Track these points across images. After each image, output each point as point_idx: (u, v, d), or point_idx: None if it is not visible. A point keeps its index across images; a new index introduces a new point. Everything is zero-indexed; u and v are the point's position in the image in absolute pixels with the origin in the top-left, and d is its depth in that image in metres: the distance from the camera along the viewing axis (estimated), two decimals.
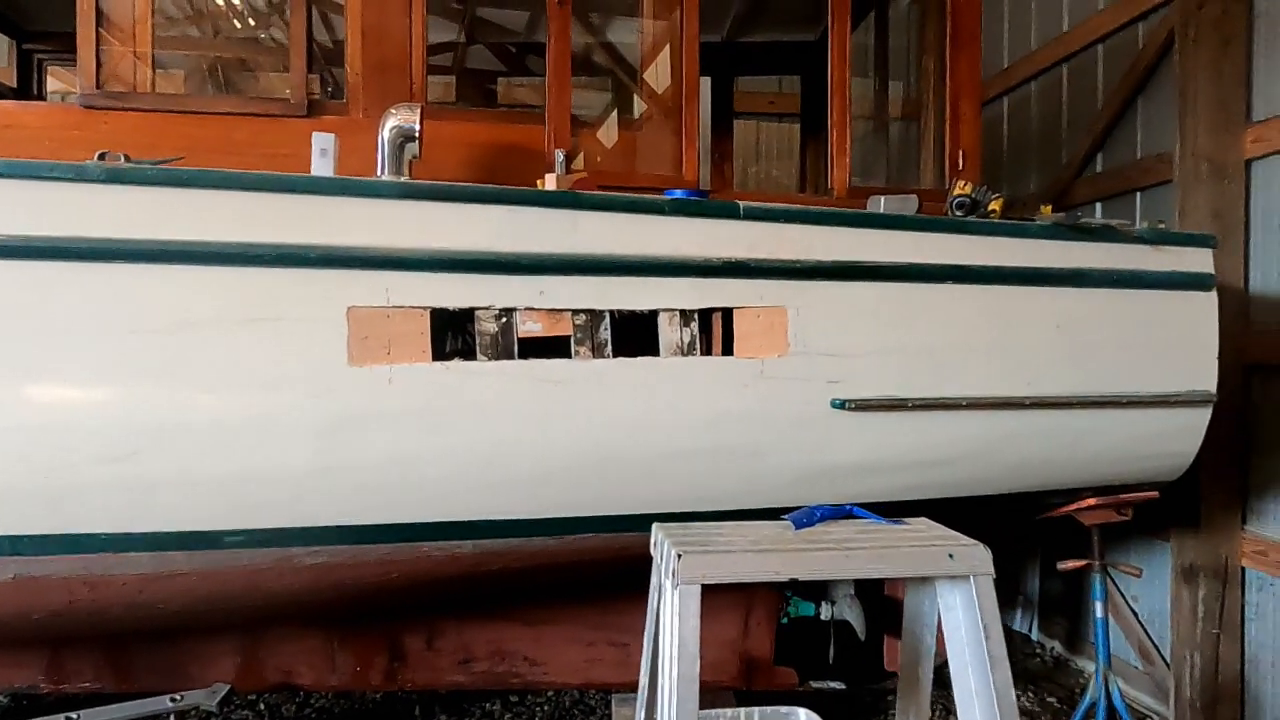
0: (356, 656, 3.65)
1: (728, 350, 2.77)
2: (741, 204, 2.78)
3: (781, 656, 4.00)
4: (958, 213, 3.02)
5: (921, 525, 2.46)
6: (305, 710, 4.34)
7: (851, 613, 3.92)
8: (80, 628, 2.85)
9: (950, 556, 2.15)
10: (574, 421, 2.66)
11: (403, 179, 2.71)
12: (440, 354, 2.58)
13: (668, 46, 4.46)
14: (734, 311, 2.76)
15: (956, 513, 2.97)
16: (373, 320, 2.50)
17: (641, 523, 2.85)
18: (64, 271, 2.37)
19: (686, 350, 2.73)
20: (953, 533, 2.36)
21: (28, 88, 4.81)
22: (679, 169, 3.22)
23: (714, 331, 2.79)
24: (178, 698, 3.51)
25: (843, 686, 4.20)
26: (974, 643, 2.12)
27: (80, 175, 2.36)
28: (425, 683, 3.77)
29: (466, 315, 2.59)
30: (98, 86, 2.85)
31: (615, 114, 5.16)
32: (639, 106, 4.97)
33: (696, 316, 2.75)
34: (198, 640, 3.40)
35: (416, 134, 2.69)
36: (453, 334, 2.68)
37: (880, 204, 3.04)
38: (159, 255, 2.40)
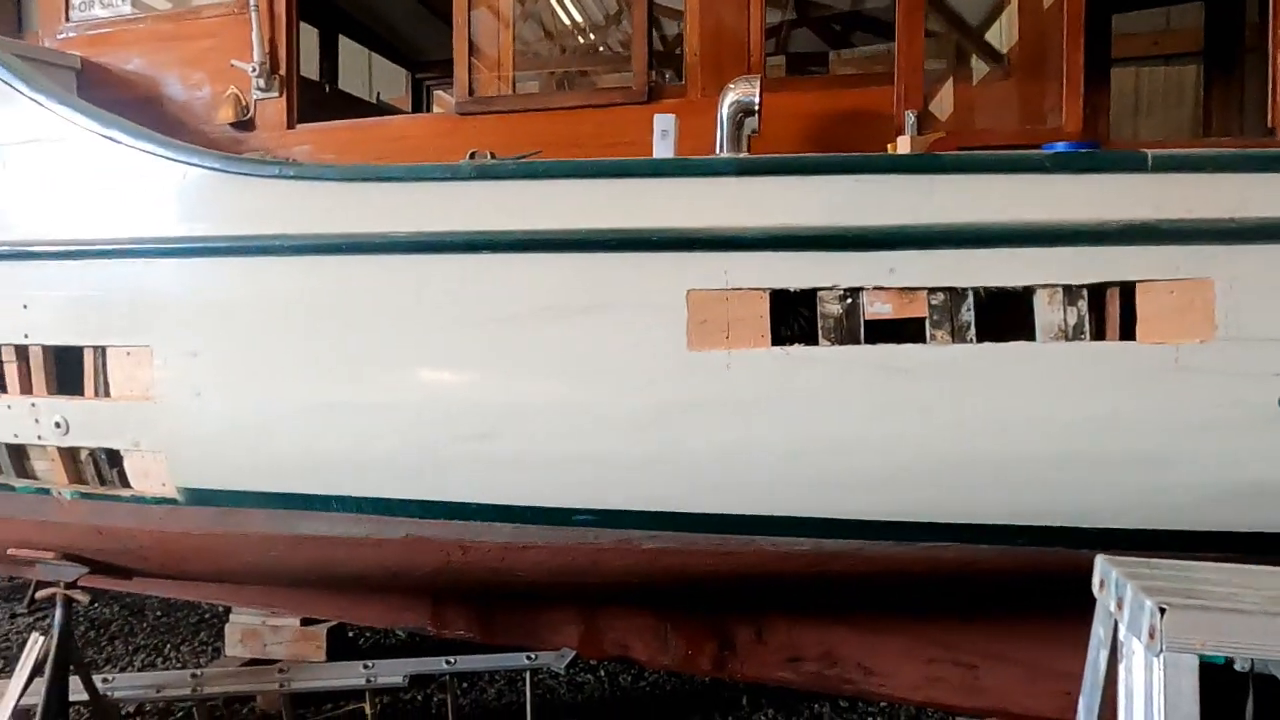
0: (687, 640, 3.67)
1: (1127, 334, 2.27)
2: (1149, 153, 2.25)
3: None
4: None
5: None
6: (640, 683, 4.51)
7: None
8: (455, 584, 3.17)
9: None
10: (929, 415, 2.36)
11: (741, 155, 2.61)
12: (779, 338, 2.43)
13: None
14: (1136, 286, 2.25)
15: None
16: (711, 303, 2.42)
17: (1005, 535, 2.47)
18: (441, 264, 2.60)
19: (1071, 334, 2.28)
20: None
21: (418, 110, 5.56)
22: (1057, 120, 2.73)
23: (1108, 311, 2.30)
24: (532, 656, 3.81)
25: None
26: None
27: (454, 174, 2.58)
28: (753, 675, 3.70)
29: (808, 297, 2.41)
30: (470, 94, 3.14)
31: (950, 80, 4.68)
32: (978, 69, 4.44)
33: (1085, 293, 2.29)
34: (548, 607, 3.64)
35: (756, 107, 2.57)
36: (793, 317, 2.51)
37: None
38: (515, 245, 2.54)
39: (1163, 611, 1.52)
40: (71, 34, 3.49)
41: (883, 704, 4.18)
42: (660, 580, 2.88)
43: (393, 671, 3.74)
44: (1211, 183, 2.22)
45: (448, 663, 3.82)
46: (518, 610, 3.73)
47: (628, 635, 3.68)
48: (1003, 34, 4.54)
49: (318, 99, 4.11)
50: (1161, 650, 1.51)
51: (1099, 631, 1.83)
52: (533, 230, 2.52)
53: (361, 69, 6.63)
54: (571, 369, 2.54)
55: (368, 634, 5.00)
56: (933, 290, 2.34)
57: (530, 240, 2.52)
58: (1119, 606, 1.68)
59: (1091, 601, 3.01)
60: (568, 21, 5.51)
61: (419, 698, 4.25)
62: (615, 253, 2.47)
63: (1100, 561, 1.81)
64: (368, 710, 3.73)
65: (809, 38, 5.51)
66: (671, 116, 2.70)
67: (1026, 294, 2.32)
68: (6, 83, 2.95)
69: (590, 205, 2.49)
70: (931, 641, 3.36)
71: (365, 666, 3.72)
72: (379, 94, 5.72)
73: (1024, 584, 2.72)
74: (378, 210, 2.63)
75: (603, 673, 4.57)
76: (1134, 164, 2.27)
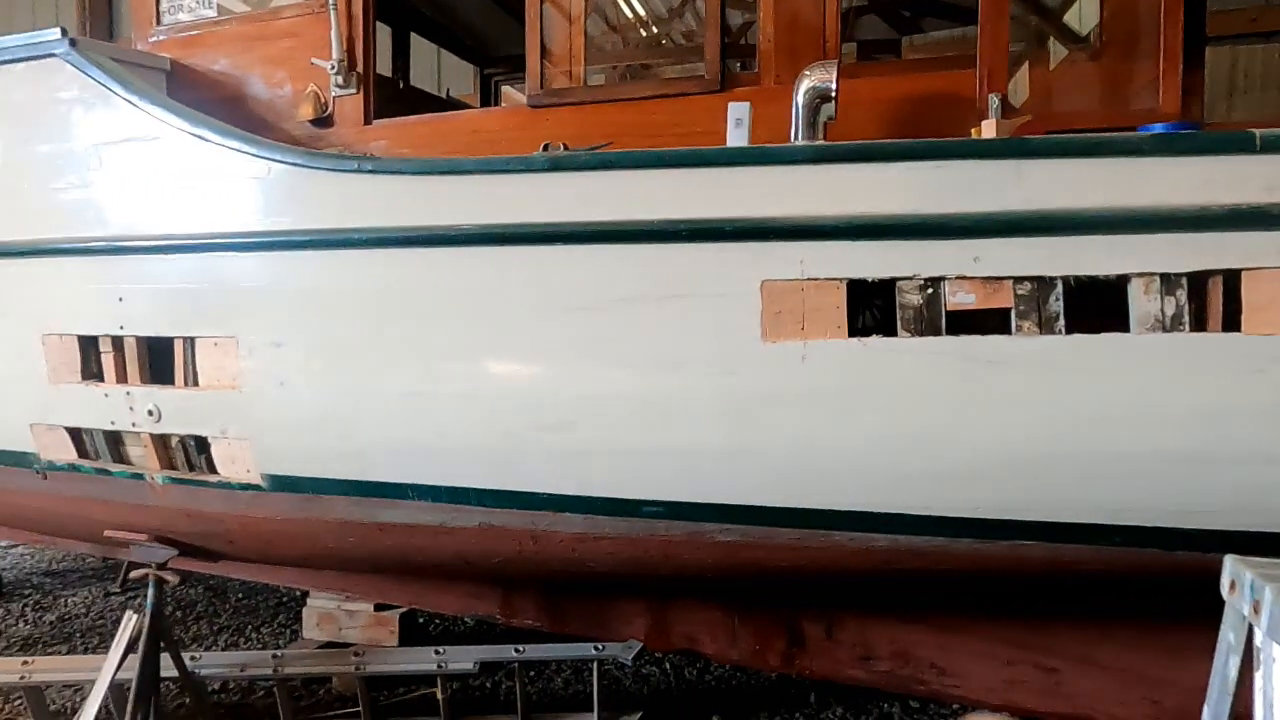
0: (755, 635, 3.64)
1: (1231, 325, 2.15)
2: (1258, 132, 2.12)
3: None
4: None
5: None
6: (705, 677, 4.49)
7: None
8: (527, 574, 3.20)
9: None
10: (1015, 409, 2.28)
11: (819, 142, 2.55)
12: (857, 329, 2.38)
13: None
14: (1242, 274, 2.13)
15: None
16: (787, 294, 2.38)
17: (1096, 535, 2.37)
18: (514, 255, 2.62)
19: (1169, 325, 2.17)
20: None
21: (486, 105, 5.62)
22: (1152, 101, 2.60)
23: (1210, 301, 2.18)
24: (600, 647, 3.83)
25: None
26: None
27: (528, 166, 2.59)
28: (822, 672, 3.64)
29: (887, 286, 2.35)
30: (541, 87, 3.15)
31: (1027, 63, 4.52)
32: (1055, 51, 4.27)
33: (1184, 282, 2.17)
34: (618, 598, 3.65)
35: (833, 93, 2.51)
36: (871, 308, 2.45)
37: None
38: (588, 236, 2.54)
39: None
40: (162, 37, 3.63)
41: (956, 706, 4.08)
42: (733, 574, 2.86)
43: (463, 658, 3.81)
44: None
45: (516, 651, 3.87)
46: (586, 601, 3.75)
47: (696, 629, 3.66)
48: (1082, 15, 4.36)
49: (392, 95, 4.19)
50: None
51: (1229, 637, 1.72)
52: (606, 221, 2.51)
53: (431, 66, 6.75)
54: (645, 360, 2.53)
55: (437, 621, 5.10)
56: (1019, 279, 2.26)
57: (603, 231, 2.51)
58: (1256, 611, 1.56)
59: (1189, 605, 2.87)
60: (631, 15, 5.51)
61: (487, 685, 4.32)
62: (689, 243, 2.45)
63: (1230, 562, 1.69)
64: (439, 695, 3.80)
65: (878, 25, 5.38)
66: (746, 105, 2.66)
67: (1120, 283, 2.22)
68: (104, 85, 3.08)
69: (664, 195, 2.47)
70: (1010, 643, 3.26)
71: (437, 652, 3.79)
72: (449, 90, 5.81)
73: (1115, 586, 2.61)
74: (453, 203, 2.66)
75: (668, 665, 4.57)
76: (1240, 145, 2.14)
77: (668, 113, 3.01)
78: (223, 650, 4.74)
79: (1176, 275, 2.17)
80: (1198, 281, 2.19)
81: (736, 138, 2.65)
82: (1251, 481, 2.21)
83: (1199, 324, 2.19)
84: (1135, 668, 2.99)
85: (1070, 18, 4.32)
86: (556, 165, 2.56)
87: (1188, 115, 2.97)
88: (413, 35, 4.98)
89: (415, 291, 2.71)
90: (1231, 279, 2.16)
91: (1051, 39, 4.21)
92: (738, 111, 2.63)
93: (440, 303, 2.69)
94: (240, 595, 5.58)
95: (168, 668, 3.42)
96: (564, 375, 2.60)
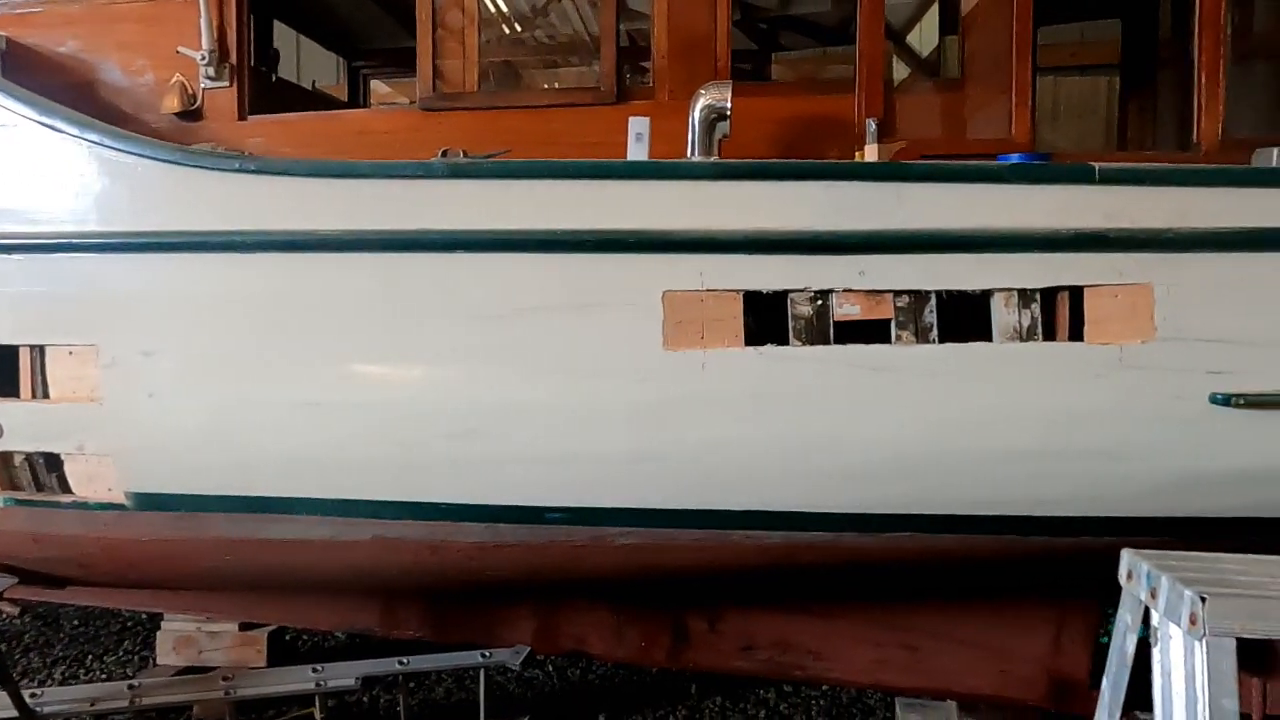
0: (642, 633, 3.72)
1: (1076, 335, 2.44)
2: (1097, 166, 2.42)
3: (1099, 679, 3.54)
4: None
5: None
6: (588, 676, 4.55)
7: None
8: (422, 585, 3.14)
9: None
10: (894, 412, 2.48)
11: (713, 159, 2.66)
12: (753, 339, 2.51)
13: (936, 5, 4.13)
14: (1085, 290, 2.43)
15: None
16: (687, 304, 2.47)
17: (968, 525, 2.62)
18: (413, 262, 2.57)
19: (1025, 335, 2.44)
20: None
21: (355, 100, 5.40)
22: (1004, 131, 2.89)
23: (1059, 314, 2.47)
24: (487, 654, 3.80)
25: None
26: None
27: (427, 172, 2.55)
28: (708, 665, 3.77)
29: (780, 298, 2.49)
30: (434, 90, 3.08)
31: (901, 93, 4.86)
32: (899, 72, 4.62)
33: (1038, 297, 2.44)
34: (503, 604, 3.63)
35: (728, 112, 2.63)
36: (767, 318, 2.59)
37: (1274, 157, 2.52)
38: (492, 244, 2.53)
39: (1204, 600, 1.66)
40: None
41: (825, 687, 4.34)
42: (633, 576, 2.92)
43: (344, 674, 3.66)
44: (1155, 195, 2.41)
45: (401, 663, 3.76)
46: (472, 608, 3.70)
47: (584, 630, 3.70)
48: (922, 37, 4.73)
49: (262, 89, 3.95)
50: (1204, 635, 1.65)
51: (1126, 618, 1.98)
52: (509, 230, 2.51)
53: (290, 55, 6.38)
54: (548, 369, 2.55)
55: (305, 636, 4.87)
56: (899, 293, 2.46)
57: (506, 240, 2.51)
58: (1153, 596, 1.82)
59: (1046, 587, 3.19)
60: (493, 10, 5.43)
61: (364, 700, 4.18)
62: (593, 253, 2.49)
63: (1127, 554, 1.96)
64: (317, 714, 3.65)
65: (739, 38, 5.59)
66: (646, 120, 2.73)
67: (985, 297, 2.46)
68: None
69: (568, 206, 2.50)
70: (880, 625, 3.50)
71: (315, 670, 3.63)
72: (315, 82, 5.53)
73: (978, 570, 2.88)
74: (346, 207, 2.58)
75: (551, 667, 4.59)
76: (1082, 176, 2.44)
77: (564, 122, 3.03)
78: (60, 684, 4.32)
79: (1031, 291, 2.44)
80: (1049, 297, 2.47)
81: (637, 151, 2.72)
82: (1094, 474, 2.51)
83: (1050, 334, 2.47)
84: (987, 642, 3.30)
85: (912, 38, 4.67)
86: (458, 172, 2.53)
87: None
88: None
89: (303, 299, 2.60)
90: (1076, 295, 2.45)
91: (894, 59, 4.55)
92: (638, 126, 2.70)
93: (330, 311, 2.60)
94: (76, 623, 5.09)
95: (6, 707, 3.10)
96: (467, 384, 2.57)
